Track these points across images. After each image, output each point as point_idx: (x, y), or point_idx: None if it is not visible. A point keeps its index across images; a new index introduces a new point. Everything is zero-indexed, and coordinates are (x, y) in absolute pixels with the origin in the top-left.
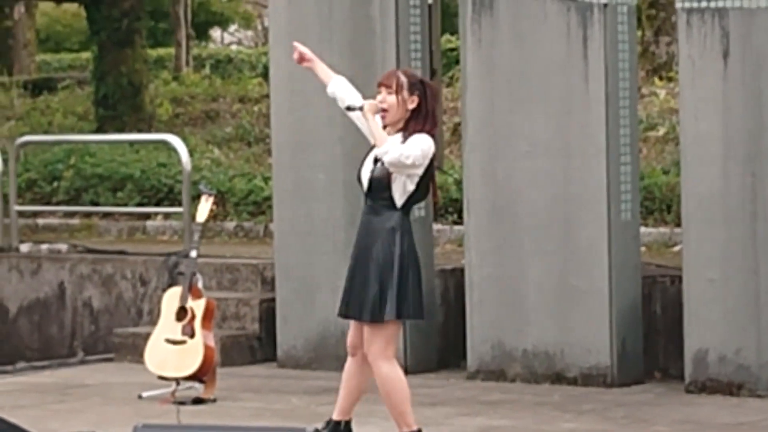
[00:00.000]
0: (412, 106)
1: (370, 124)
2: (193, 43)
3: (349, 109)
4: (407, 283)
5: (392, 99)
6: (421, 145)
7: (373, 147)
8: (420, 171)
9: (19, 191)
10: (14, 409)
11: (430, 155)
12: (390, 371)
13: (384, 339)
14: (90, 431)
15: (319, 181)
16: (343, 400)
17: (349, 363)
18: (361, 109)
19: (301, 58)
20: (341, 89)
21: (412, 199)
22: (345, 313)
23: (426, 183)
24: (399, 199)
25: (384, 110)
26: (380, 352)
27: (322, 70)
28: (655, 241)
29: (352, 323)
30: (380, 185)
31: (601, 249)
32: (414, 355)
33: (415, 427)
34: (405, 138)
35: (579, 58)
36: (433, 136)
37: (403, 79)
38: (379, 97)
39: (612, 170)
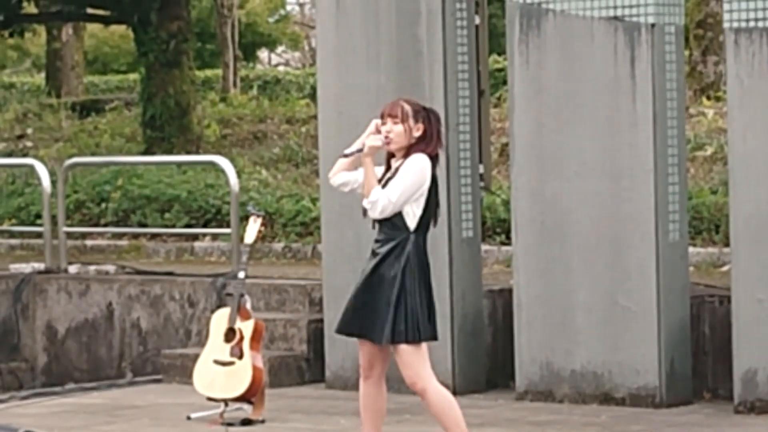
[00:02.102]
0: (418, 134)
1: (366, 170)
2: (240, 65)
3: (345, 156)
4: (426, 304)
5: (399, 128)
6: (408, 174)
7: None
8: (424, 192)
9: (68, 212)
10: (63, 430)
11: (426, 175)
12: (440, 394)
13: (419, 361)
14: None
15: None
16: (372, 427)
17: (367, 387)
18: (360, 151)
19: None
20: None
21: (423, 220)
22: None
23: (434, 202)
24: (411, 223)
25: (388, 139)
26: (425, 377)
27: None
28: (703, 261)
29: (361, 347)
30: (388, 217)
31: (650, 269)
32: (462, 375)
33: None
34: (404, 161)
35: (627, 78)
36: (433, 157)
37: (408, 108)
38: (385, 128)
39: (660, 190)
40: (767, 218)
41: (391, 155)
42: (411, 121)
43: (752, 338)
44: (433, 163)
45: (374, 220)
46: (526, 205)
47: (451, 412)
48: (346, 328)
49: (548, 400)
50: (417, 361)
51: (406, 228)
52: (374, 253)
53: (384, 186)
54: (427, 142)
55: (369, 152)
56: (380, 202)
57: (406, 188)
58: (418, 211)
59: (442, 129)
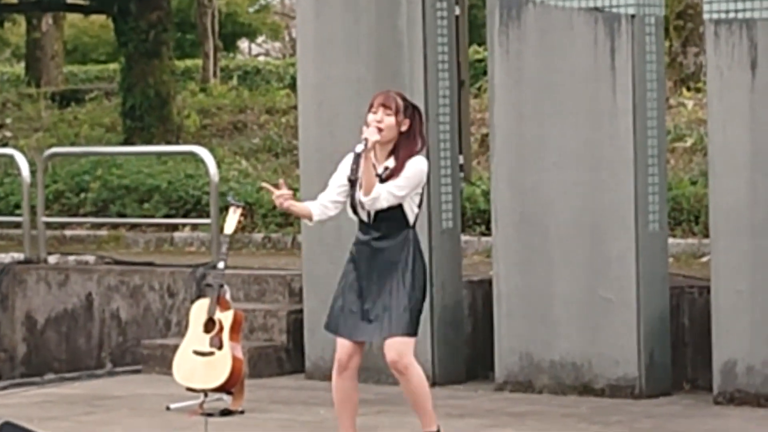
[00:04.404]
0: (404, 128)
1: (366, 166)
2: (220, 55)
3: (359, 155)
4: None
5: (391, 120)
6: (414, 175)
7: (353, 179)
8: (420, 191)
9: (47, 203)
10: (43, 420)
11: (425, 176)
12: (421, 373)
13: (412, 346)
14: None
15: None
16: (350, 419)
17: (343, 381)
18: (365, 147)
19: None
20: (321, 208)
21: (417, 216)
22: (364, 335)
23: (421, 197)
24: (411, 218)
25: (379, 130)
26: (411, 358)
27: (300, 207)
28: (683, 252)
29: (346, 342)
30: (390, 211)
31: (629, 260)
32: (442, 366)
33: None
34: (397, 161)
35: (606, 68)
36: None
37: (400, 102)
38: (376, 116)
39: (640, 181)
40: (746, 209)
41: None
42: (401, 115)
43: (731, 329)
44: None
45: (369, 217)
46: (506, 196)
47: (426, 391)
48: (353, 333)
49: (528, 390)
50: (409, 348)
51: (407, 223)
52: (372, 248)
53: (382, 182)
54: (413, 139)
55: (372, 147)
56: (383, 197)
57: (410, 187)
58: (416, 208)
59: (424, 129)
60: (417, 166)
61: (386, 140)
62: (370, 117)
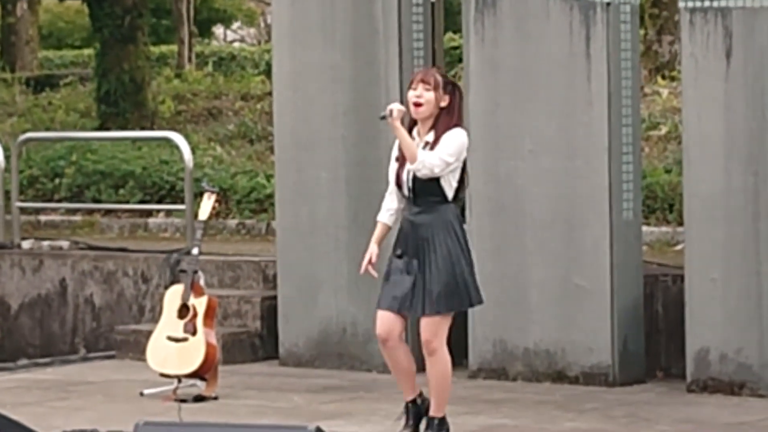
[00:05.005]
0: (443, 104)
1: (400, 134)
2: (195, 41)
3: (382, 118)
4: (473, 270)
5: (430, 95)
6: (455, 143)
7: (398, 157)
8: (460, 165)
9: (21, 188)
10: (16, 406)
11: (465, 148)
12: (448, 360)
13: (447, 327)
14: (92, 429)
15: (322, 179)
16: (407, 383)
17: (388, 351)
18: (390, 115)
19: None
20: (387, 215)
21: (459, 190)
22: (405, 308)
23: (464, 173)
24: (450, 193)
25: (419, 105)
26: (443, 341)
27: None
28: (657, 240)
29: (385, 314)
30: (426, 186)
31: (603, 248)
32: (415, 353)
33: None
34: (437, 136)
35: (582, 56)
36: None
37: (439, 78)
38: (416, 92)
39: (614, 169)
40: (721, 198)
41: (413, 124)
42: (441, 91)
43: (705, 317)
44: None
45: (410, 192)
46: (481, 183)
47: (448, 380)
48: (392, 305)
49: (501, 378)
50: (442, 329)
51: (445, 197)
52: (413, 224)
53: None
54: (452, 115)
55: (398, 116)
56: (428, 160)
57: (452, 155)
58: (455, 183)
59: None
60: (456, 137)
61: (426, 115)
62: (410, 94)
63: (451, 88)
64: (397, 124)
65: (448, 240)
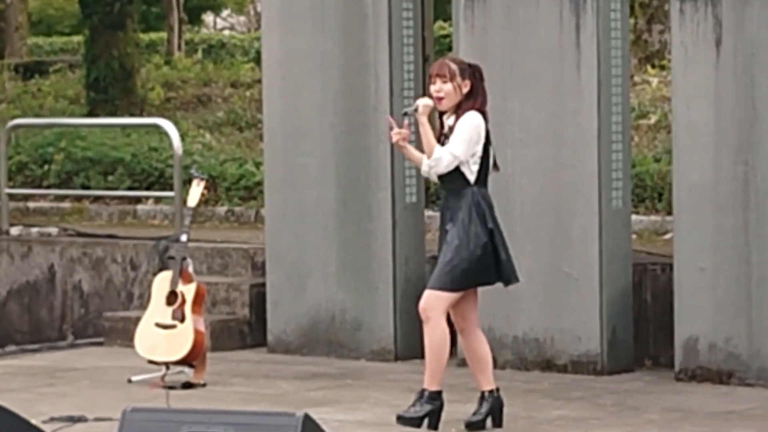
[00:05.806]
0: (466, 89)
1: (423, 131)
2: (185, 28)
3: (405, 114)
4: (497, 251)
5: (448, 87)
6: (465, 131)
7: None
8: (479, 149)
9: (10, 174)
10: (3, 392)
11: (482, 132)
12: (444, 332)
13: (446, 302)
14: (79, 415)
15: (311, 166)
16: (487, 369)
17: (464, 336)
18: (416, 111)
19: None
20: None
21: (481, 173)
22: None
23: (487, 154)
24: (471, 177)
25: (440, 98)
26: (441, 312)
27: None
28: (646, 229)
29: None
30: (449, 172)
31: (592, 237)
32: (404, 341)
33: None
34: (456, 118)
35: (571, 45)
36: (483, 112)
37: (454, 66)
38: (434, 88)
39: (603, 158)
40: (710, 187)
41: (442, 113)
42: (459, 79)
43: (693, 306)
44: (485, 118)
45: (438, 178)
46: None
47: (442, 352)
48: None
49: None
50: (439, 302)
51: (467, 181)
52: (442, 206)
53: (442, 144)
54: (475, 98)
55: (424, 111)
56: (444, 159)
57: (465, 142)
58: (475, 167)
59: (485, 85)
60: (468, 121)
61: (450, 105)
62: (431, 89)
63: (471, 71)
64: (423, 119)
65: (467, 222)
